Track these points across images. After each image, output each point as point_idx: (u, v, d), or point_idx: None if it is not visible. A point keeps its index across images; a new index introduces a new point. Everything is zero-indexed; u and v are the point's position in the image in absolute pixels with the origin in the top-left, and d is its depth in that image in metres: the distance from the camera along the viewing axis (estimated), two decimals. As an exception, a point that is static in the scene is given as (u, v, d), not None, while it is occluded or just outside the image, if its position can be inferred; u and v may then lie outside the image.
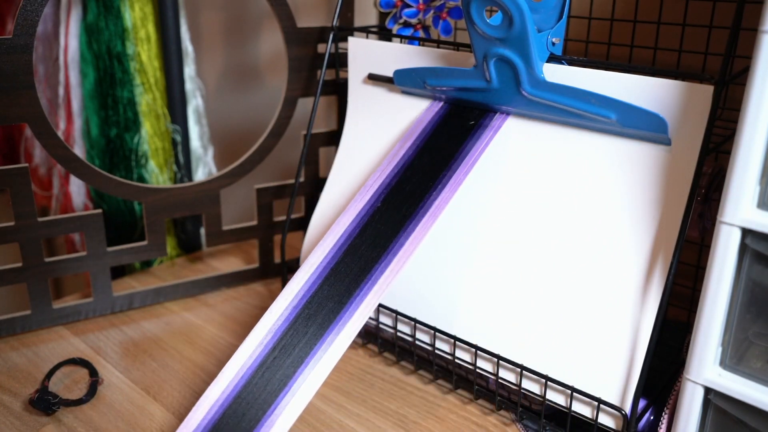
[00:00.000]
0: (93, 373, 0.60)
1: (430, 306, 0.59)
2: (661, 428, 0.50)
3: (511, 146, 0.58)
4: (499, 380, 0.55)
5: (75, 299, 0.72)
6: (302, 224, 0.79)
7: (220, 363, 0.63)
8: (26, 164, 0.61)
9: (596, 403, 0.50)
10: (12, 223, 0.63)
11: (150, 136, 0.81)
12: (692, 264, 0.63)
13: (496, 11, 0.51)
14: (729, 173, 0.41)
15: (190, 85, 0.84)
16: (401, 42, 0.69)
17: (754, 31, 0.39)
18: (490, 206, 0.58)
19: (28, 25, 0.58)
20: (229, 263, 0.85)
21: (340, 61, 0.74)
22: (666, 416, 0.51)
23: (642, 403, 0.52)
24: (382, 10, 0.71)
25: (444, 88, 0.60)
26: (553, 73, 0.53)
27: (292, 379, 0.50)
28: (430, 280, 0.60)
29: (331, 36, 0.70)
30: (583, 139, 0.54)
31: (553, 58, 0.54)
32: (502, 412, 0.58)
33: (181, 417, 0.56)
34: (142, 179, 0.81)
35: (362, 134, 0.68)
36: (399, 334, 0.62)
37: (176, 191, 0.72)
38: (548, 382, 0.52)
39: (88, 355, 0.64)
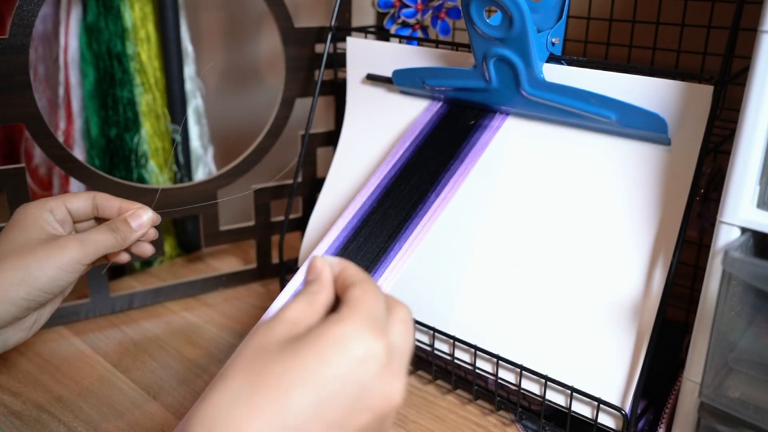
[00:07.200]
0: None
1: (429, 306, 0.59)
2: (660, 428, 0.50)
3: (511, 146, 0.58)
4: (499, 380, 0.55)
5: (73, 299, 0.72)
6: (300, 225, 0.79)
7: (220, 363, 0.63)
8: (23, 164, 0.61)
9: (596, 403, 0.50)
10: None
11: (150, 136, 0.81)
12: (691, 264, 0.63)
13: (496, 11, 0.51)
14: (728, 173, 0.41)
15: (189, 85, 0.84)
16: (400, 42, 0.69)
17: (753, 31, 0.39)
18: (489, 206, 0.58)
19: (24, 26, 0.58)
20: (229, 263, 0.85)
21: (338, 61, 0.74)
22: (665, 416, 0.51)
23: (642, 403, 0.52)
24: (380, 10, 0.71)
25: (443, 88, 0.60)
26: (553, 73, 0.53)
27: None
28: (428, 281, 0.60)
29: (329, 36, 0.70)
30: (583, 139, 0.54)
31: (552, 58, 0.54)
32: (501, 412, 0.58)
33: (181, 416, 0.56)
34: (142, 179, 0.81)
35: (361, 134, 0.68)
36: (398, 334, 0.62)
37: (173, 191, 0.72)
38: (548, 383, 0.52)
39: (88, 355, 0.64)
